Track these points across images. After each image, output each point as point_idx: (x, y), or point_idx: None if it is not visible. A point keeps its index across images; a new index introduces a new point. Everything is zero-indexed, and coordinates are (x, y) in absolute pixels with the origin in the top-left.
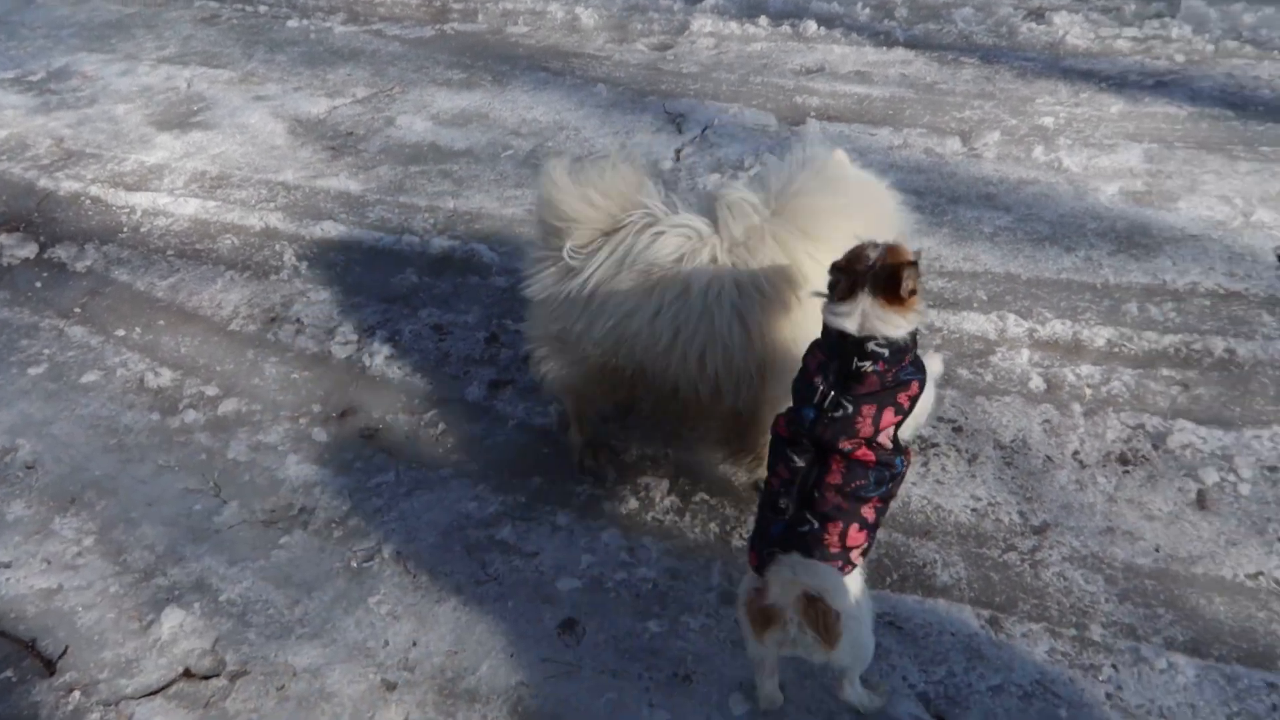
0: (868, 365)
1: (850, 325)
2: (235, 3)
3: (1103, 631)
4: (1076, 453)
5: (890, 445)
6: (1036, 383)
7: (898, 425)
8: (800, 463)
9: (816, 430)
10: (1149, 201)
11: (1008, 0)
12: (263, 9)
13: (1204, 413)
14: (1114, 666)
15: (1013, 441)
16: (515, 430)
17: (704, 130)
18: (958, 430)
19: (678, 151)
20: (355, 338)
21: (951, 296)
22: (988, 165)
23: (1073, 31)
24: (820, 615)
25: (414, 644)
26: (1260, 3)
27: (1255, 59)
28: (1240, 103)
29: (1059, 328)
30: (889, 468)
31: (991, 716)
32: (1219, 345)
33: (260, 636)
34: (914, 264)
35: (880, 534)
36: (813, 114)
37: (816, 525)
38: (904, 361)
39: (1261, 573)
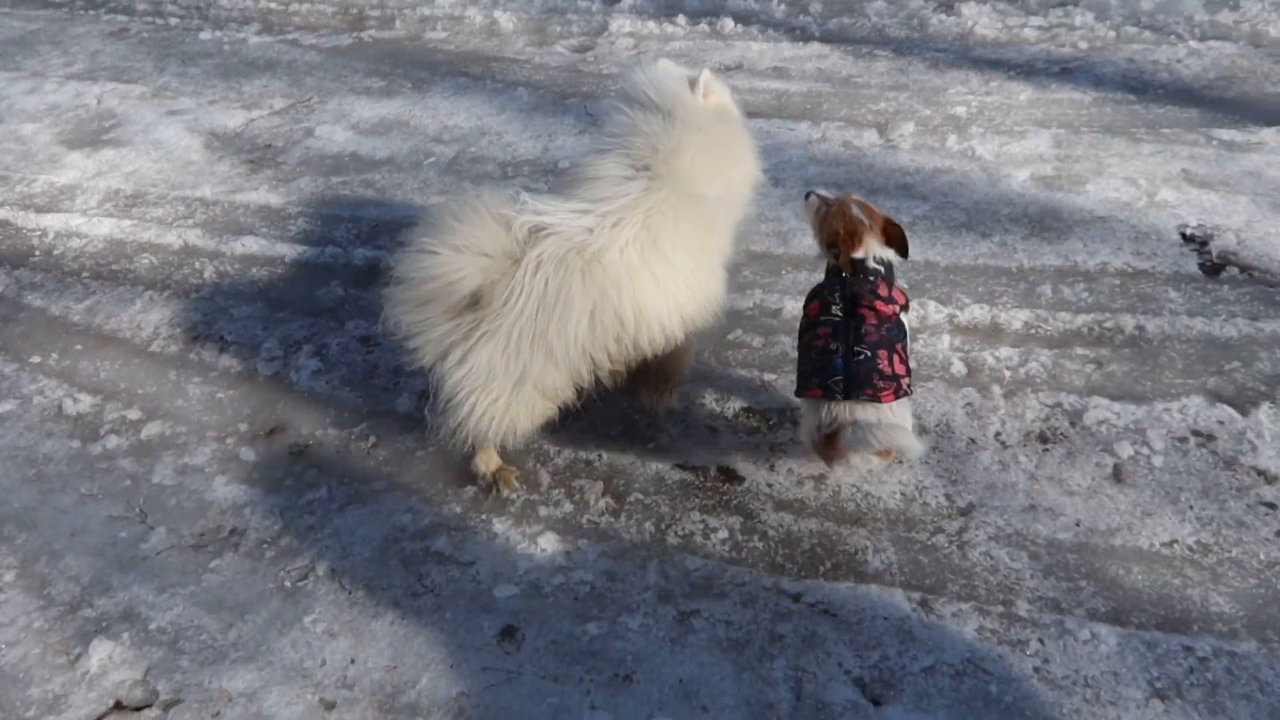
0: (875, 275)
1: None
2: (145, 16)
3: (1029, 607)
4: (998, 434)
5: (897, 315)
6: (958, 367)
7: (901, 306)
8: (839, 316)
9: (851, 289)
10: (1059, 186)
11: None
12: (174, 21)
13: (1117, 389)
14: (1040, 640)
15: (937, 426)
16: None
17: None
18: None
19: None
20: (281, 353)
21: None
22: (904, 156)
23: (981, 22)
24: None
25: (352, 661)
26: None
27: (1154, 44)
28: (1141, 87)
29: (978, 312)
30: (901, 328)
31: (925, 697)
32: (1129, 323)
33: (193, 663)
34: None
35: (811, 524)
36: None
37: (870, 354)
38: (893, 276)
39: (1175, 540)
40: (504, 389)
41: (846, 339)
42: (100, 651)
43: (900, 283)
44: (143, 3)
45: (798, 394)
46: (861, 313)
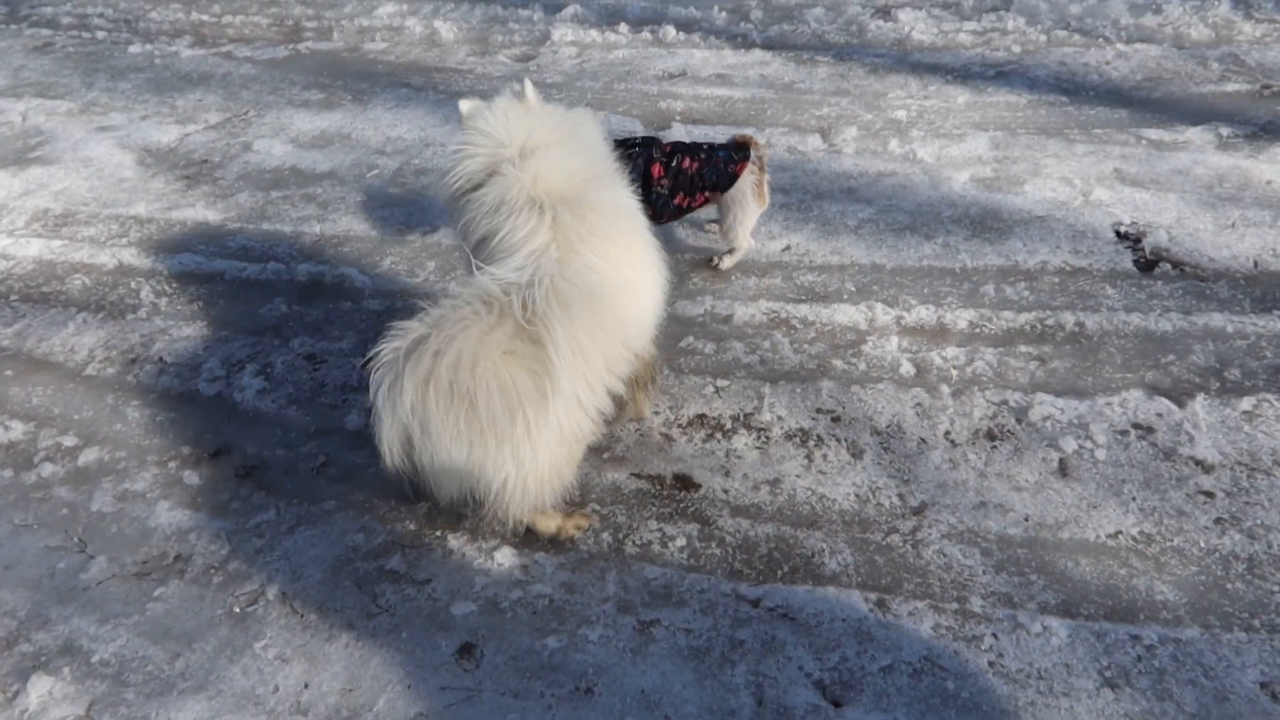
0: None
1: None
2: (70, 30)
3: (982, 603)
4: (948, 432)
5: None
6: (906, 368)
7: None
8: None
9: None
10: (998, 187)
11: (856, 0)
12: (101, 35)
13: (1060, 384)
14: (994, 635)
15: (888, 427)
16: None
17: None
18: (836, 420)
19: None
20: (223, 373)
21: (822, 290)
22: (848, 160)
23: (917, 27)
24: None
25: (306, 686)
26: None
27: (1083, 47)
28: (1073, 89)
29: (924, 313)
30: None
31: (884, 696)
32: (1070, 320)
33: (139, 696)
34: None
35: (768, 528)
36: (677, 117)
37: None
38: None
39: (1120, 531)
40: (549, 457)
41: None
42: (40, 688)
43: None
44: (68, 16)
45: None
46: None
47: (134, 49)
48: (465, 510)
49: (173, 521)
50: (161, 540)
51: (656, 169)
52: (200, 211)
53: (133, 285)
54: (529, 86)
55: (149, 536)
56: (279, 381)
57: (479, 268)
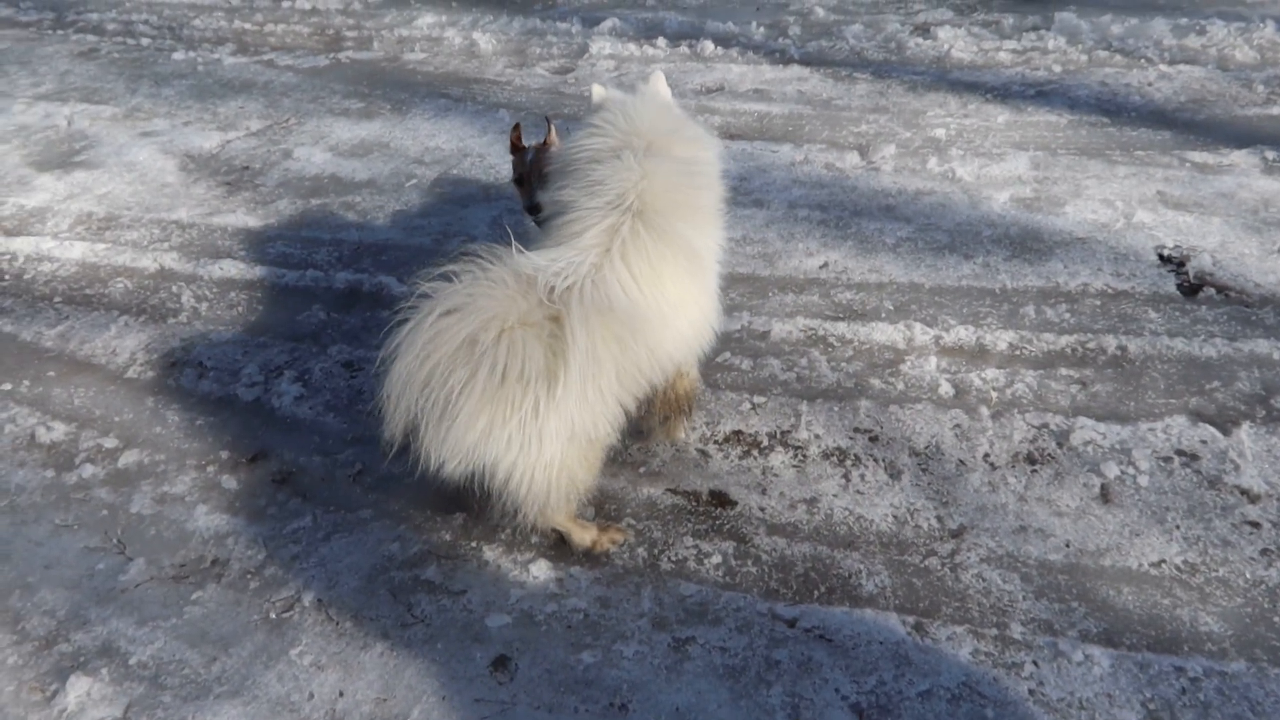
0: None
1: None
2: (115, 36)
3: (1022, 629)
4: (987, 455)
5: None
6: (945, 389)
7: None
8: None
9: None
10: (1038, 207)
11: (895, 17)
12: (145, 41)
13: (1102, 409)
14: (1035, 663)
15: (926, 448)
16: None
17: None
18: (874, 440)
19: None
20: (262, 379)
21: (860, 308)
22: (886, 178)
23: (957, 45)
24: None
25: (340, 694)
26: (1126, 14)
27: (1125, 67)
28: (1114, 109)
29: (963, 333)
30: None
31: None
32: (1112, 343)
33: (176, 699)
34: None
35: (805, 548)
36: (715, 132)
37: None
38: None
39: (1164, 560)
40: (558, 450)
41: None
42: (78, 688)
43: None
44: (113, 23)
45: None
46: None
47: (177, 56)
48: (473, 503)
49: (210, 525)
50: (199, 544)
51: None
52: (240, 218)
53: (174, 290)
54: (662, 80)
55: (187, 540)
56: (317, 388)
57: (520, 249)
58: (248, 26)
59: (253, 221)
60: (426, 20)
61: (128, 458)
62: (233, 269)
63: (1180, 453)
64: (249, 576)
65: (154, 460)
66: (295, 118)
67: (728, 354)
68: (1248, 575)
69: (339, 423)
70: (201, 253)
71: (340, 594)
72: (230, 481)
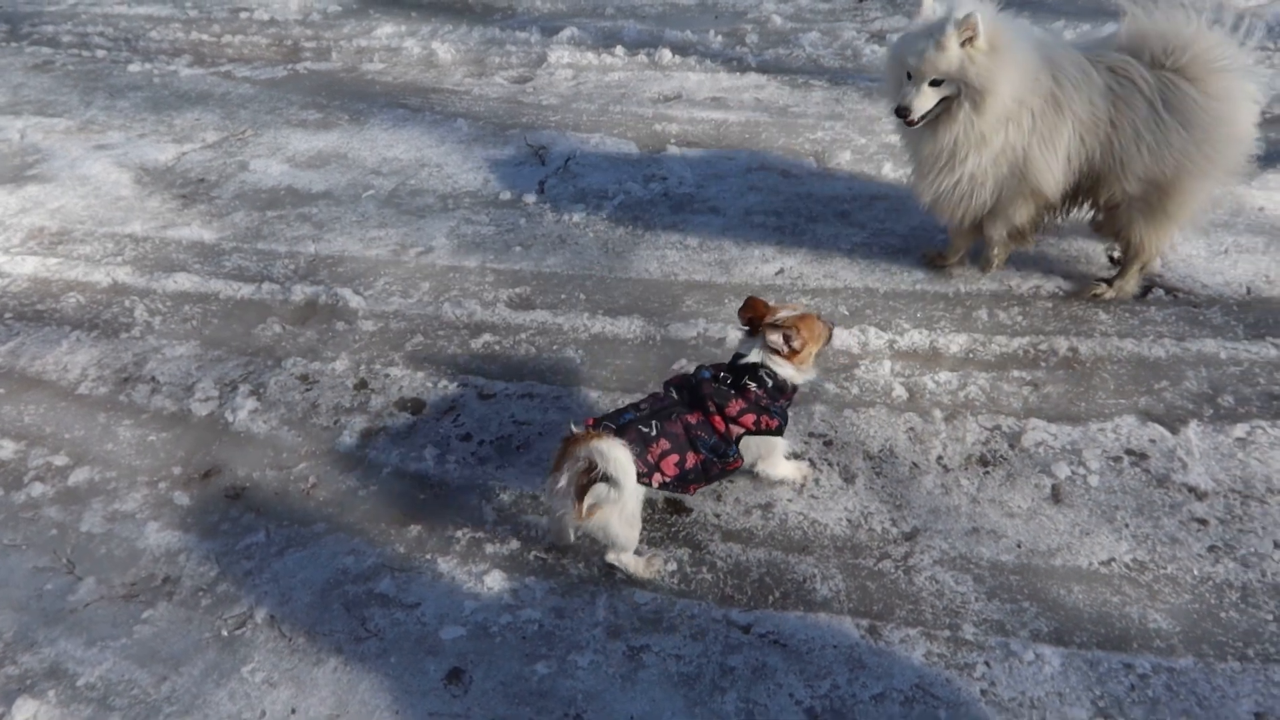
0: (753, 385)
1: (752, 356)
2: (70, 48)
3: (974, 630)
4: (940, 457)
5: (733, 440)
6: (899, 392)
7: (746, 432)
8: (675, 398)
9: (702, 388)
10: None
11: (850, 25)
12: (100, 53)
13: (1053, 410)
14: (987, 663)
15: (881, 451)
16: (390, 478)
17: (567, 161)
18: (829, 444)
19: (541, 183)
20: (216, 393)
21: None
22: (841, 184)
23: None
24: (582, 486)
25: (293, 711)
26: (1078, 20)
27: None
28: None
29: (917, 337)
30: (725, 447)
31: None
32: (1063, 345)
33: None
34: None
35: (760, 553)
36: (673, 140)
37: (653, 434)
38: (779, 399)
39: (1113, 559)
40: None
41: (655, 414)
42: (24, 711)
43: (779, 409)
44: (68, 35)
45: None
46: (695, 410)
47: (133, 68)
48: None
49: (162, 543)
50: (150, 562)
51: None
52: (196, 231)
53: (127, 304)
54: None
55: (138, 558)
56: (272, 402)
57: None
58: (205, 38)
59: (208, 234)
60: (385, 30)
61: (78, 475)
62: (187, 282)
63: (1130, 452)
64: (201, 594)
65: (105, 478)
66: (252, 129)
67: (683, 360)
68: (1195, 572)
69: (294, 437)
70: (155, 266)
71: (293, 609)
72: (183, 498)
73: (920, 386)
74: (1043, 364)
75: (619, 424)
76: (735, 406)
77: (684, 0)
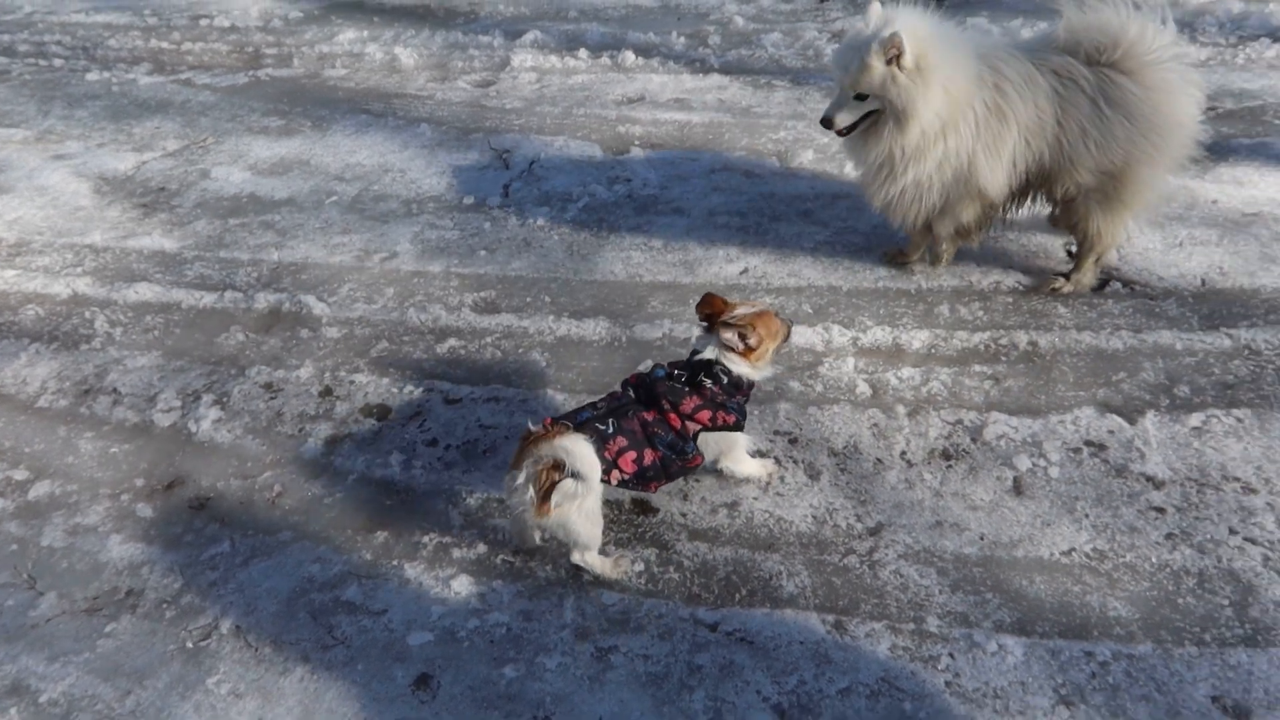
0: (709, 382)
1: (708, 353)
2: (27, 58)
3: (938, 623)
4: (904, 453)
5: (690, 437)
6: (863, 389)
7: (702, 428)
8: (631, 396)
9: (656, 387)
10: None
11: (812, 25)
12: (58, 62)
13: (1014, 403)
14: (951, 655)
15: (845, 448)
16: (356, 485)
17: (531, 164)
18: (794, 442)
19: (505, 187)
20: (179, 404)
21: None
22: (804, 183)
23: None
24: (545, 483)
25: None
26: (1035, 18)
27: None
28: None
29: (880, 334)
30: (683, 444)
31: (843, 719)
32: (1023, 339)
33: None
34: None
35: (726, 552)
36: (637, 142)
37: (610, 431)
38: (735, 395)
39: (1074, 548)
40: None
41: (612, 413)
42: None
43: (735, 405)
44: (25, 44)
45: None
46: (651, 408)
47: (91, 76)
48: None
49: (125, 555)
50: (113, 575)
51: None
52: (157, 240)
53: (87, 315)
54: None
55: (100, 571)
56: (236, 411)
57: None
58: (164, 45)
59: (169, 243)
60: (348, 36)
61: (38, 489)
62: (149, 292)
63: (1089, 443)
64: (165, 606)
65: (66, 491)
66: (213, 137)
67: (649, 362)
68: (1153, 559)
69: (258, 445)
70: (116, 277)
71: (259, 619)
72: (145, 509)
73: (883, 383)
74: (1003, 358)
75: (576, 422)
76: (690, 404)
77: (647, 2)
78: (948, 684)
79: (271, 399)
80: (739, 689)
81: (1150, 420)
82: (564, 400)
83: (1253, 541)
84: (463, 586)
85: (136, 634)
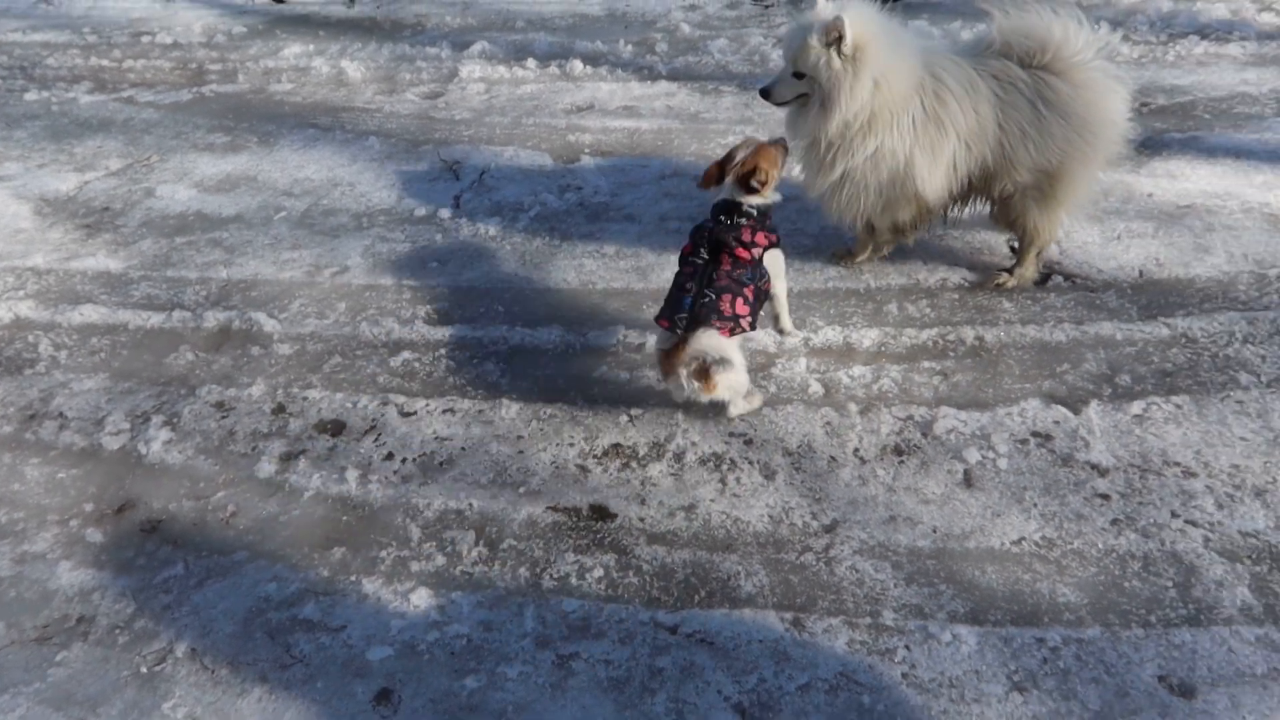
0: (743, 220)
1: (733, 196)
2: None
3: (894, 615)
4: (857, 450)
5: (758, 260)
6: (815, 388)
7: (765, 248)
8: (701, 260)
9: (716, 233)
10: None
11: (757, 30)
12: None
13: (963, 397)
14: (907, 647)
15: (799, 447)
16: (312, 502)
17: (481, 175)
18: (749, 443)
19: (456, 198)
20: (128, 426)
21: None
22: None
23: None
24: (705, 376)
25: None
26: (975, 20)
27: None
28: None
29: (831, 334)
30: (756, 269)
31: (802, 715)
32: (970, 334)
33: None
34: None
35: (685, 554)
36: (587, 150)
37: (714, 297)
38: (766, 220)
39: (1023, 538)
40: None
41: (700, 282)
42: None
43: (770, 224)
44: None
45: (655, 319)
46: (721, 257)
47: (30, 96)
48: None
49: (75, 582)
50: (63, 602)
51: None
52: (101, 261)
53: (30, 339)
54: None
55: (50, 599)
56: (187, 432)
57: None
58: (105, 63)
59: (114, 264)
60: (293, 50)
61: None
62: (94, 314)
63: (1036, 434)
64: (117, 631)
65: (12, 519)
66: (157, 155)
67: (604, 368)
68: (1100, 545)
69: (211, 466)
70: (60, 299)
71: (215, 641)
72: (95, 535)
73: (835, 382)
74: (951, 353)
75: (690, 312)
76: (748, 233)
77: (594, 11)
78: (904, 675)
79: (223, 418)
80: (700, 690)
81: (1094, 409)
82: (519, 410)
83: (1193, 524)
84: (422, 599)
85: (89, 661)
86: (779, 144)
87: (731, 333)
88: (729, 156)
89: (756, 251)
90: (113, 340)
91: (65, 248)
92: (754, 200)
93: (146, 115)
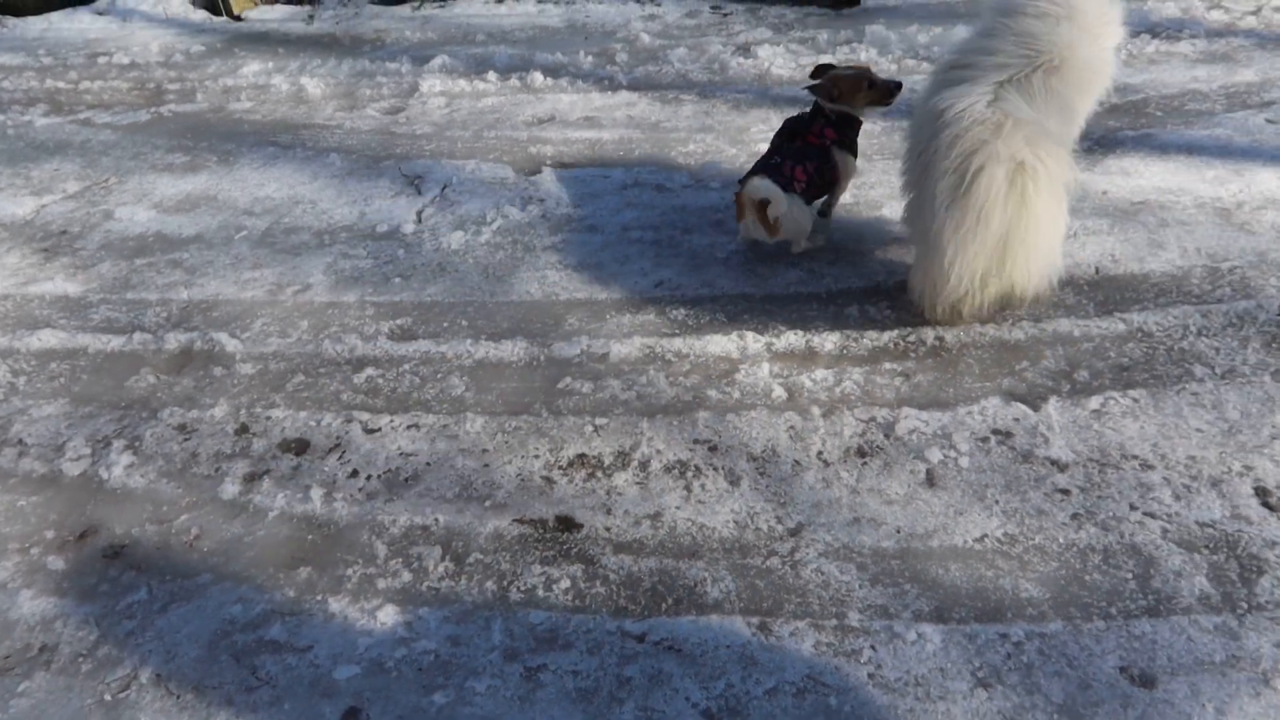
0: (821, 120)
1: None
2: None
3: (860, 616)
4: (820, 453)
5: (829, 147)
6: (779, 393)
7: (833, 141)
8: (782, 140)
9: (800, 123)
10: (858, 212)
11: (717, 39)
12: None
13: (924, 398)
14: (873, 647)
15: (763, 452)
16: (277, 522)
17: (443, 189)
18: (713, 449)
19: (418, 213)
20: (89, 451)
21: (695, 322)
22: (714, 194)
23: (776, 62)
24: (764, 217)
25: None
26: (930, 24)
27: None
28: None
29: (793, 338)
30: (825, 156)
31: (770, 719)
32: (930, 335)
33: None
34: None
35: (651, 562)
36: (548, 162)
37: (780, 160)
38: (844, 128)
39: (986, 535)
40: None
41: (777, 151)
42: None
43: (845, 131)
44: None
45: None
46: (796, 140)
47: None
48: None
49: (36, 611)
50: (25, 632)
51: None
52: (60, 285)
53: None
54: None
55: (10, 629)
56: (149, 455)
57: None
58: (61, 85)
59: (73, 288)
60: (252, 68)
61: None
62: (53, 339)
63: (996, 432)
64: (80, 659)
65: None
66: (115, 176)
67: (568, 379)
68: (1060, 540)
69: (173, 489)
70: (17, 324)
71: (180, 665)
72: (57, 562)
73: (798, 385)
74: (912, 354)
75: (766, 167)
76: (818, 127)
77: (553, 23)
78: (870, 676)
79: (185, 440)
80: (668, 697)
81: (1053, 406)
82: (485, 423)
83: (1152, 516)
84: (389, 616)
85: (52, 690)
86: (876, 81)
87: (785, 188)
88: (831, 68)
89: (824, 141)
90: (72, 365)
91: (22, 272)
92: (829, 105)
93: (104, 136)
